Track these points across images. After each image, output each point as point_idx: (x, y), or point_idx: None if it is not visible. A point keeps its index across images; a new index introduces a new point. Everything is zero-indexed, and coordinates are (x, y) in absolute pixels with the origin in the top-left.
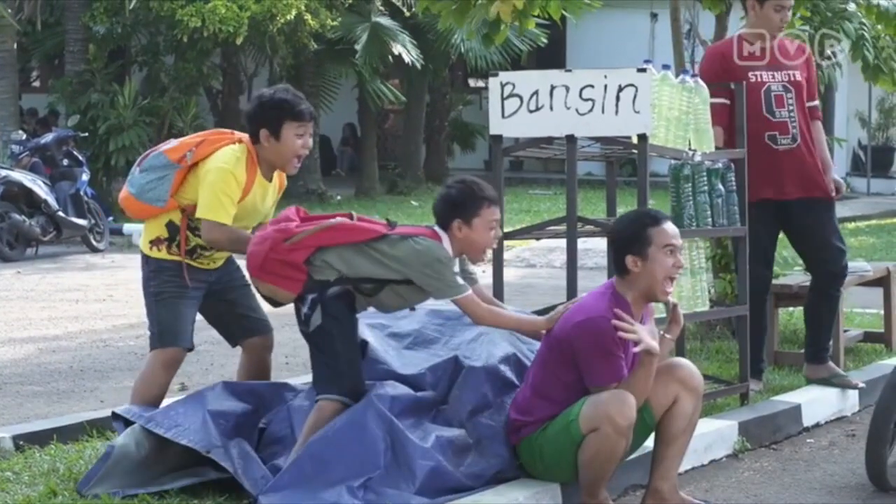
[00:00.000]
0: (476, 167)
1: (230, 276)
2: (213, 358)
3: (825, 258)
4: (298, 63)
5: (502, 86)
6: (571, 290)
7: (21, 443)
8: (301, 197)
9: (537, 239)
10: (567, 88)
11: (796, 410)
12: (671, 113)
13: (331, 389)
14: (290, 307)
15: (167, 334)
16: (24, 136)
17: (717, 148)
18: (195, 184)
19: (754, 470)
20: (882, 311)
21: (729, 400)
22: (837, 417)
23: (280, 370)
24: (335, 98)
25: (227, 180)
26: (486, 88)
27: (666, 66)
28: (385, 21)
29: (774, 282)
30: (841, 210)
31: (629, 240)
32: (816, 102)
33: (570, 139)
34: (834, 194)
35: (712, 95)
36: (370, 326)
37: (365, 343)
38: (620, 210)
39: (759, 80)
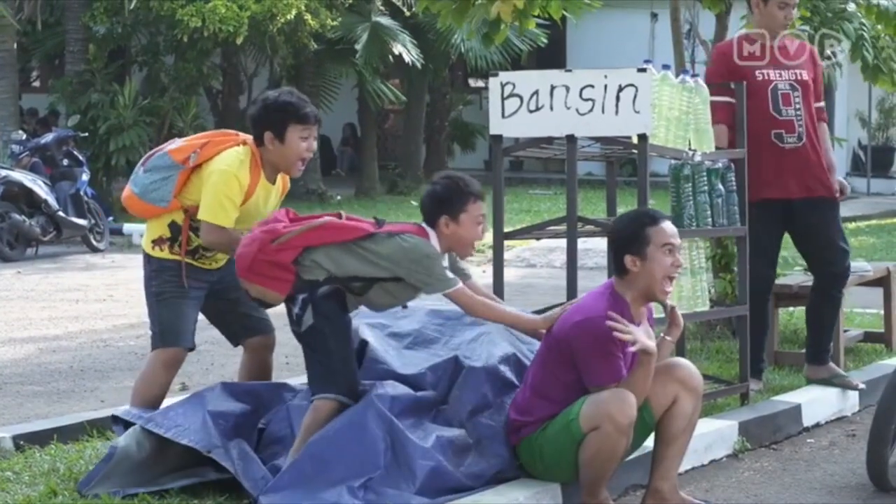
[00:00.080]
0: (476, 167)
1: (232, 275)
2: (213, 358)
3: (829, 258)
4: (298, 63)
5: (502, 86)
6: (571, 290)
7: (21, 443)
8: (301, 197)
9: (537, 239)
10: (567, 88)
11: (796, 410)
12: (671, 113)
13: (326, 389)
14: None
15: (168, 334)
16: (25, 136)
17: (718, 147)
18: (199, 185)
19: (754, 470)
20: (882, 311)
21: (729, 400)
22: (838, 417)
23: (280, 370)
24: (335, 98)
25: (229, 183)
26: (486, 88)
27: (666, 66)
28: (385, 21)
29: (775, 282)
30: (841, 210)
31: (628, 239)
32: (823, 104)
33: (570, 139)
34: (838, 195)
35: (717, 94)
36: (370, 326)
37: (365, 343)
38: (620, 210)
39: (766, 78)
